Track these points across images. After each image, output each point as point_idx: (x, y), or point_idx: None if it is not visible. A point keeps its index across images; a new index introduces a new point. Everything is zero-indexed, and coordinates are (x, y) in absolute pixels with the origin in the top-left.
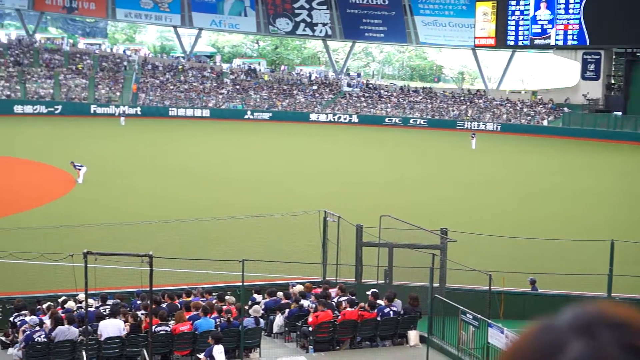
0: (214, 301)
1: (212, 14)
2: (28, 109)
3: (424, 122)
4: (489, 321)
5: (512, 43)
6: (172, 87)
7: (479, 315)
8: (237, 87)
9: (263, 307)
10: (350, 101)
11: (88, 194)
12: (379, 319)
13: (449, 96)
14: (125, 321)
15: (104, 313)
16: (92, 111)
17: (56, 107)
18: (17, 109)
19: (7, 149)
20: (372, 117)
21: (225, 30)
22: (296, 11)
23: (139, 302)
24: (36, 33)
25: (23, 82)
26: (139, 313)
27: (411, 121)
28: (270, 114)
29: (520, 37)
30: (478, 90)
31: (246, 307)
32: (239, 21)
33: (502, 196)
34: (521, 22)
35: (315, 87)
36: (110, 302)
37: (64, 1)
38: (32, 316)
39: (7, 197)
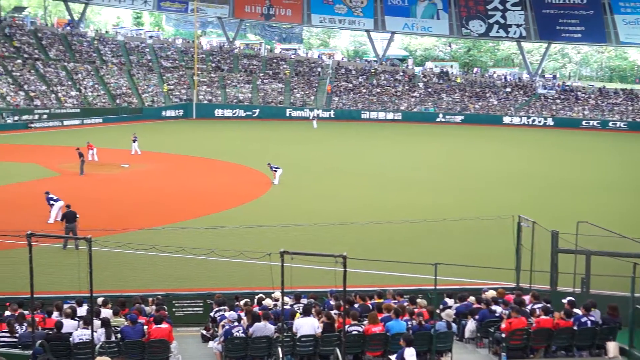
0: (406, 304)
1: (404, 18)
2: (228, 112)
3: (624, 125)
4: None
5: None
6: (364, 91)
7: None
8: (429, 90)
9: (454, 311)
10: (545, 103)
11: (283, 195)
12: (575, 328)
13: None
14: (319, 320)
15: (298, 311)
16: (287, 114)
17: (254, 110)
18: (218, 112)
19: (208, 151)
20: (568, 119)
21: (418, 34)
22: (490, 13)
23: (332, 302)
24: (236, 40)
25: (223, 86)
26: (332, 312)
27: (610, 124)
28: (463, 117)
29: None
30: None
31: (437, 311)
32: (432, 24)
33: None
34: None
35: (508, 90)
36: (304, 300)
37: (262, 9)
38: (231, 312)
39: (209, 197)
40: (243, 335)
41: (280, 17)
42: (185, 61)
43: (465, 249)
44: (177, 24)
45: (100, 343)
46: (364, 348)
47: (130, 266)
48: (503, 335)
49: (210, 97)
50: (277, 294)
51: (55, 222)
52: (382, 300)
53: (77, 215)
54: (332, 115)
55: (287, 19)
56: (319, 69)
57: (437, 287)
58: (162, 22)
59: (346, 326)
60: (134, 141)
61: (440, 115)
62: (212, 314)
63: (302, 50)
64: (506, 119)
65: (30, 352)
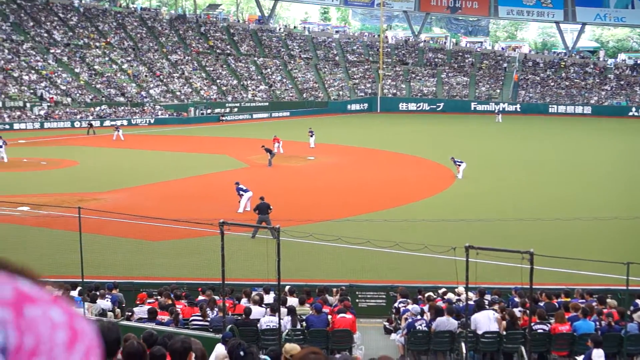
0: (594, 303)
1: (596, 8)
2: (412, 106)
3: None
4: None
5: None
6: (552, 84)
7: None
8: (622, 82)
9: None
10: None
11: (467, 190)
12: None
13: None
14: (502, 318)
15: (480, 307)
16: (472, 108)
17: (438, 104)
18: (402, 106)
19: (392, 144)
20: None
21: (610, 24)
22: None
23: (516, 299)
24: (421, 33)
25: (408, 80)
26: (516, 310)
27: None
28: None
29: None
30: None
31: (628, 312)
32: (626, 14)
33: None
34: None
35: None
36: (487, 297)
37: (448, 2)
38: (415, 305)
39: (392, 190)
40: (426, 329)
41: (466, 10)
42: (370, 55)
43: None
44: (363, 19)
45: (287, 330)
46: (550, 347)
47: (315, 256)
48: None
49: (394, 91)
50: (461, 288)
51: (244, 211)
52: (569, 299)
53: (271, 207)
54: (518, 109)
55: (474, 12)
56: (505, 65)
57: (629, 288)
58: (349, 17)
59: (531, 324)
60: (311, 135)
61: (634, 109)
62: (395, 305)
63: (488, 43)
64: None
65: (220, 335)
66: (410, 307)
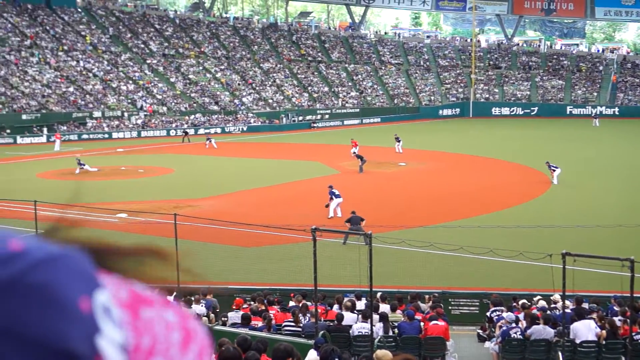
0: None
1: None
2: (505, 110)
3: None
4: None
5: None
6: None
7: None
8: None
9: None
10: None
11: (563, 195)
12: None
13: None
14: (602, 327)
15: (580, 316)
16: (567, 112)
17: (532, 108)
18: (495, 110)
19: (484, 149)
20: None
21: None
22: None
23: (616, 307)
24: (514, 36)
25: (501, 84)
26: (616, 319)
27: None
28: None
29: None
30: None
31: None
32: None
33: None
34: None
35: None
36: (585, 305)
37: (542, 4)
38: (509, 312)
39: (485, 196)
40: (521, 337)
41: (561, 12)
42: (462, 60)
43: None
44: (455, 23)
45: (379, 337)
46: None
47: (408, 263)
48: None
49: (487, 95)
50: (556, 296)
51: (334, 216)
52: None
53: (363, 219)
54: (617, 113)
55: (569, 13)
56: (602, 65)
57: None
58: (440, 22)
59: (632, 334)
60: (398, 141)
61: None
62: (488, 314)
63: (584, 45)
64: None
65: (313, 341)
66: (504, 314)
